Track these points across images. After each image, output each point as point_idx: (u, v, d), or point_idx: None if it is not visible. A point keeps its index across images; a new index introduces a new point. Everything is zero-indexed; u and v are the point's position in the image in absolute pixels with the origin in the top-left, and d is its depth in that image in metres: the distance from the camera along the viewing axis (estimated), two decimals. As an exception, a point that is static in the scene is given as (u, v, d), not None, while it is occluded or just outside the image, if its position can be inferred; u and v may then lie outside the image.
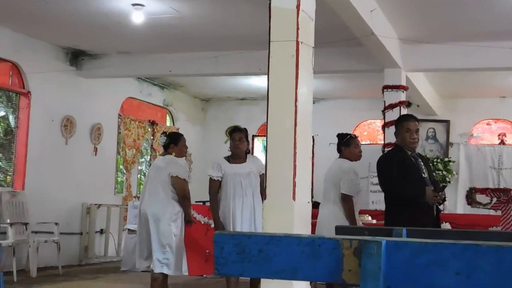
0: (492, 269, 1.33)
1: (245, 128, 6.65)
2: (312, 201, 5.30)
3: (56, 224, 9.26)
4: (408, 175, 5.12)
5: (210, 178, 6.40)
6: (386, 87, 9.46)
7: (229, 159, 6.49)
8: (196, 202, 9.01)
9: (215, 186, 6.36)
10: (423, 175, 5.10)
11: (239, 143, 6.43)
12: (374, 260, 1.37)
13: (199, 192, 9.29)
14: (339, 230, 2.55)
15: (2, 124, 9.96)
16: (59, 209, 10.07)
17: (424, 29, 8.70)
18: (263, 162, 5.83)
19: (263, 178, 5.71)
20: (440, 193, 4.92)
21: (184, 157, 6.86)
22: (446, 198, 5.16)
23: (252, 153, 6.38)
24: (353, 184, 6.24)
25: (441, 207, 5.54)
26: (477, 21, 8.27)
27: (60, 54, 10.39)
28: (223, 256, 1.59)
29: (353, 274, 1.42)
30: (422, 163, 5.29)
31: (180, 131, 13.23)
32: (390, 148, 6.67)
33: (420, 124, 13.04)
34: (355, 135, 6.65)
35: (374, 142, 14.07)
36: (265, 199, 4.74)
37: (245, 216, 6.25)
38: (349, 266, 1.43)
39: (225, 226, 6.27)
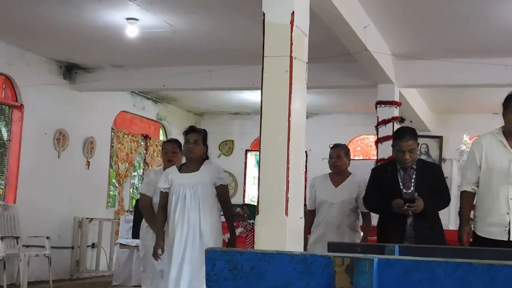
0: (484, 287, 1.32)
1: (204, 130, 5.65)
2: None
3: (47, 238, 9.21)
4: (381, 187, 5.26)
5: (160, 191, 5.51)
6: (379, 103, 9.48)
7: (181, 167, 5.54)
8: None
9: (162, 199, 5.43)
10: (401, 187, 5.16)
11: (192, 147, 5.38)
12: (366, 277, 1.36)
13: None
14: (331, 246, 2.54)
15: (-6, 137, 9.93)
16: (50, 223, 10.02)
17: (418, 45, 8.74)
18: (221, 170, 5.60)
19: (222, 190, 5.39)
20: (408, 204, 4.99)
21: (166, 166, 5.92)
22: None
23: (208, 159, 5.60)
24: (309, 197, 6.22)
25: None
26: (470, 38, 8.31)
27: (53, 67, 10.39)
28: (215, 272, 1.59)
29: (345, 291, 1.42)
30: (412, 175, 5.26)
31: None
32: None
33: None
34: (333, 145, 6.34)
35: (367, 158, 14.09)
36: (257, 214, 4.73)
37: (185, 234, 5.26)
38: (341, 283, 1.42)
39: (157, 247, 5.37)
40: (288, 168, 4.67)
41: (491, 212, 4.73)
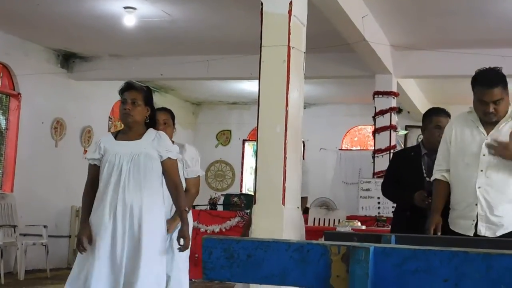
0: (480, 277, 1.33)
1: (146, 87, 4.36)
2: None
3: (44, 226, 9.22)
4: (403, 176, 4.81)
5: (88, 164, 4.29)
6: (377, 93, 9.48)
7: (118, 134, 4.26)
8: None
9: (90, 174, 4.22)
10: (424, 175, 4.67)
11: (130, 108, 4.10)
12: (362, 266, 1.37)
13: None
14: (328, 235, 2.55)
15: (-9, 125, 9.92)
16: (48, 212, 10.02)
17: (416, 35, 8.73)
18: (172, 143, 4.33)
19: (170, 165, 4.13)
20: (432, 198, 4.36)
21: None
22: None
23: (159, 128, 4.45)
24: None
25: None
26: (468, 29, 8.31)
27: (51, 56, 10.36)
28: (211, 261, 1.59)
29: (341, 280, 1.42)
30: None
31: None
32: None
33: (411, 131, 13.08)
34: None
35: (364, 148, 14.10)
36: (254, 203, 4.73)
37: (120, 221, 3.94)
38: (337, 272, 1.43)
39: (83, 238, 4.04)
40: (285, 158, 4.68)
41: (459, 203, 4.00)
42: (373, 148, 9.85)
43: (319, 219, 8.20)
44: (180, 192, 4.17)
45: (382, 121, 9.44)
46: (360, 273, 1.36)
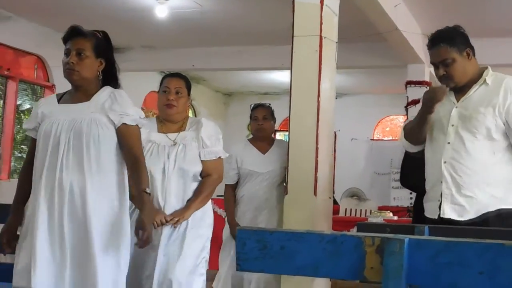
0: (515, 269, 1.32)
1: (98, 32, 3.56)
2: (333, 197, 5.29)
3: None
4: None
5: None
6: (409, 83, 9.41)
7: (63, 96, 3.38)
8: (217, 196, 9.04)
9: (29, 149, 3.32)
10: None
11: (74, 62, 3.27)
12: (397, 258, 1.36)
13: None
14: (361, 227, 2.55)
15: (27, 116, 10.05)
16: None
17: (448, 24, 8.61)
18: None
19: (126, 133, 3.14)
20: None
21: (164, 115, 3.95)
22: None
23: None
24: (228, 169, 4.99)
25: None
26: (502, 17, 8.19)
27: (84, 48, 10.46)
28: (244, 252, 1.60)
29: (375, 271, 1.42)
30: None
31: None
32: None
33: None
34: (256, 105, 5.34)
35: (396, 138, 14.00)
36: (286, 194, 4.74)
37: (57, 213, 2.97)
38: (371, 263, 1.43)
39: None
40: (317, 148, 4.68)
41: (427, 182, 3.57)
42: (405, 138, 9.77)
43: (350, 209, 8.17)
44: (139, 169, 3.10)
45: (415, 111, 9.29)
46: (394, 265, 1.36)
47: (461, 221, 3.25)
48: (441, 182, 3.34)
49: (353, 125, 13.46)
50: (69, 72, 3.23)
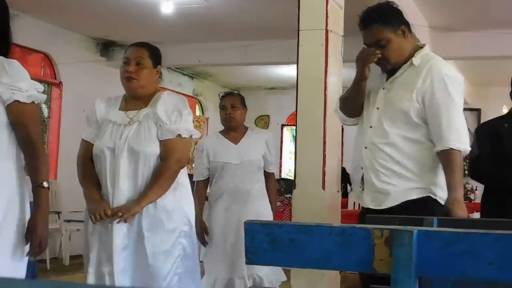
0: (525, 259, 1.32)
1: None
2: (341, 190, 5.29)
3: (88, 213, 9.31)
4: (496, 152, 4.03)
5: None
6: (416, 76, 9.39)
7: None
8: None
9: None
10: None
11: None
12: (406, 249, 1.37)
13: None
14: (369, 219, 2.55)
15: (34, 114, 10.09)
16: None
17: (455, 16, 8.60)
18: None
19: (18, 112, 2.61)
20: None
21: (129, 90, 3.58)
22: None
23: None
24: (197, 165, 4.79)
25: None
26: (509, 8, 8.15)
27: (90, 45, 10.48)
28: (254, 245, 1.60)
29: (384, 263, 1.43)
30: None
31: (210, 121, 13.32)
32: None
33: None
34: (225, 93, 5.06)
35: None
36: (294, 188, 4.74)
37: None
38: (380, 255, 1.43)
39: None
40: (324, 142, 4.68)
41: (351, 162, 3.37)
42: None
43: (359, 203, 8.16)
44: (36, 157, 2.60)
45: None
46: (404, 256, 1.37)
47: (380, 209, 3.05)
48: (361, 168, 3.17)
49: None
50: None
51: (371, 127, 3.16)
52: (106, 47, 10.75)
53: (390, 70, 3.21)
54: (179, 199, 3.24)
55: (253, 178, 4.61)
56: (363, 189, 3.15)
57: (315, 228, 1.52)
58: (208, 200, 4.75)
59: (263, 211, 4.56)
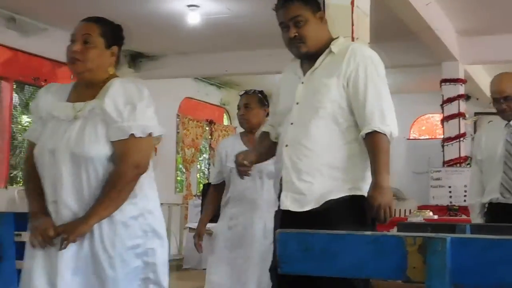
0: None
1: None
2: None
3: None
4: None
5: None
6: (444, 81, 9.34)
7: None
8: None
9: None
10: None
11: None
12: (440, 257, 1.36)
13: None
14: (401, 226, 2.54)
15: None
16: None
17: (482, 20, 8.54)
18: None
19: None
20: None
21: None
22: None
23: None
24: (215, 168, 4.49)
25: None
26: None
27: (118, 57, 10.59)
28: (286, 254, 1.61)
29: (418, 271, 1.42)
30: None
31: (237, 130, 13.35)
32: None
33: (480, 117, 12.79)
34: (243, 92, 4.73)
35: (432, 137, 13.88)
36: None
37: None
38: (413, 263, 1.43)
39: None
40: (353, 149, 4.66)
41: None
42: (442, 136, 9.72)
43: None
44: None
45: (451, 109, 9.29)
46: (437, 264, 1.36)
47: (302, 212, 2.78)
48: (281, 168, 2.89)
49: (389, 125, 13.36)
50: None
51: (292, 124, 2.91)
52: (133, 59, 10.85)
53: (305, 62, 3.04)
54: (141, 208, 2.66)
55: (261, 186, 4.14)
56: (281, 190, 2.86)
57: (347, 236, 1.52)
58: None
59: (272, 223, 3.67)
